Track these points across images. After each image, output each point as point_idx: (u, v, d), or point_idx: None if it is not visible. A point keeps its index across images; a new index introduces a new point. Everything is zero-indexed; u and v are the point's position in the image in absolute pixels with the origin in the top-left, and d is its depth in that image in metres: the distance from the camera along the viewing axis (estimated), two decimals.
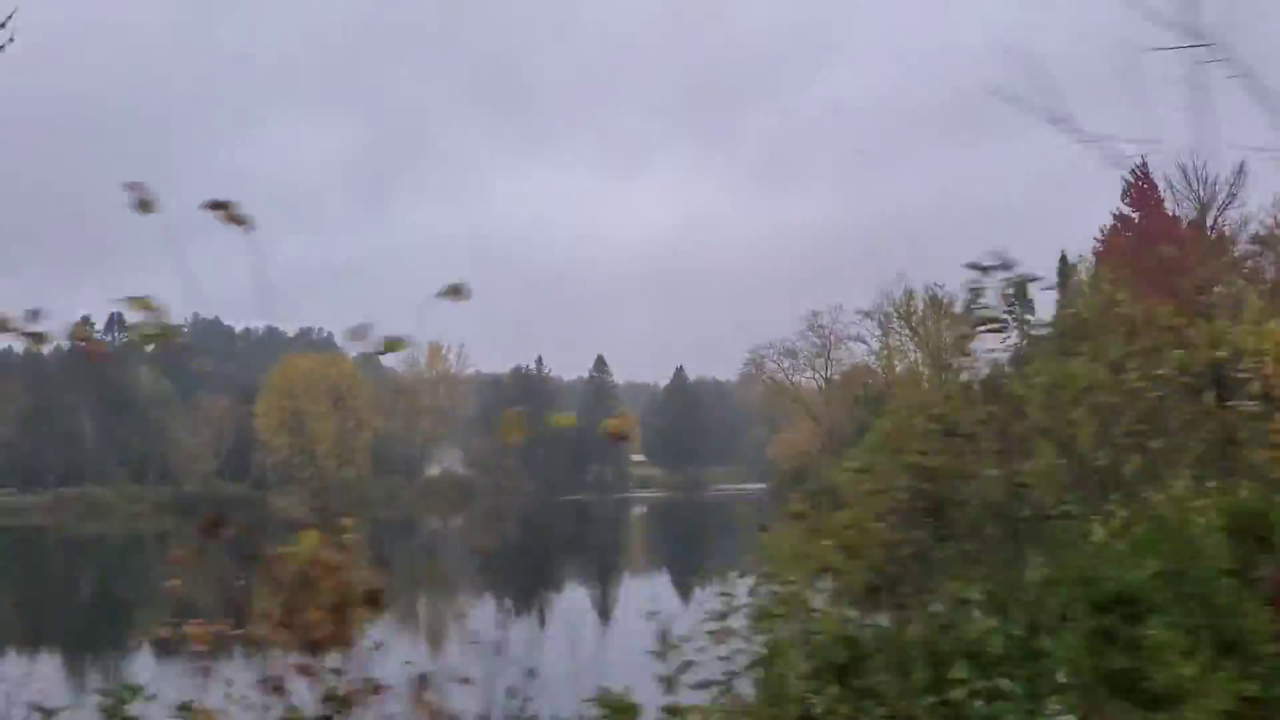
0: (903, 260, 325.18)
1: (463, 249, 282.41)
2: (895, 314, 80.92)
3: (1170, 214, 56.29)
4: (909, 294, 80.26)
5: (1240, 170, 55.04)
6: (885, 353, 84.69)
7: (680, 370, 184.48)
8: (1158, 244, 54.88)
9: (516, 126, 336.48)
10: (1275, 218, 54.83)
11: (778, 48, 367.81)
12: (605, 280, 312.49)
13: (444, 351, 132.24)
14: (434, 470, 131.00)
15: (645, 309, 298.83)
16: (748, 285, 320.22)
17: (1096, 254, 60.22)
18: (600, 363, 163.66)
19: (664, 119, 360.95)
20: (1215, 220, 55.38)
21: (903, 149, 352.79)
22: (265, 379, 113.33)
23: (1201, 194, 55.18)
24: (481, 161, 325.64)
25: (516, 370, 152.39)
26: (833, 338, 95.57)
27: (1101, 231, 77.81)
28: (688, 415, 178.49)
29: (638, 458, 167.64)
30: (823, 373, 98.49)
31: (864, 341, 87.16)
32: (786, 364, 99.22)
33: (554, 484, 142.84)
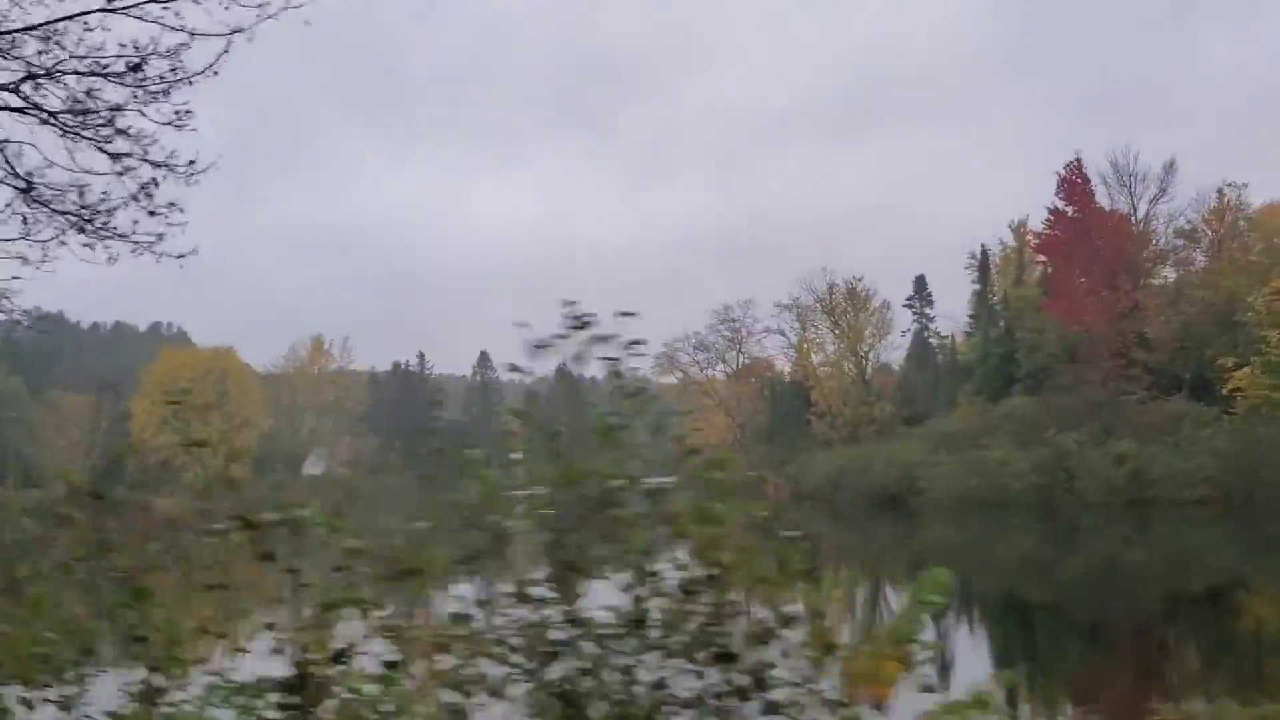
0: (770, 258, 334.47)
1: (329, 242, 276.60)
2: (818, 307, 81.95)
3: (1102, 208, 58.51)
4: (831, 287, 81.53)
5: (1170, 166, 57.76)
6: (804, 345, 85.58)
7: (564, 365, 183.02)
8: (1091, 237, 57.42)
9: (388, 119, 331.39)
10: (1201, 214, 57.75)
11: (656, 47, 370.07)
12: (479, 274, 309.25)
13: (327, 346, 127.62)
14: (316, 470, 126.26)
15: (522, 303, 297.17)
16: (620, 281, 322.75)
17: (1035, 247, 62.22)
18: (484, 358, 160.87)
19: (541, 114, 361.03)
20: (1147, 213, 57.87)
21: (774, 149, 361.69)
22: (143, 374, 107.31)
23: (1133, 190, 57.57)
24: (351, 154, 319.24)
25: (396, 366, 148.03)
26: (744, 331, 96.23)
27: (1013, 226, 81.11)
28: (573, 412, 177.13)
29: (517, 456, 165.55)
30: (734, 366, 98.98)
31: (782, 334, 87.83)
32: (701, 358, 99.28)
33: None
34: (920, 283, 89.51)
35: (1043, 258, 62.10)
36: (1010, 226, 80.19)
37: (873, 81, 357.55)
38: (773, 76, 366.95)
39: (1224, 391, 47.96)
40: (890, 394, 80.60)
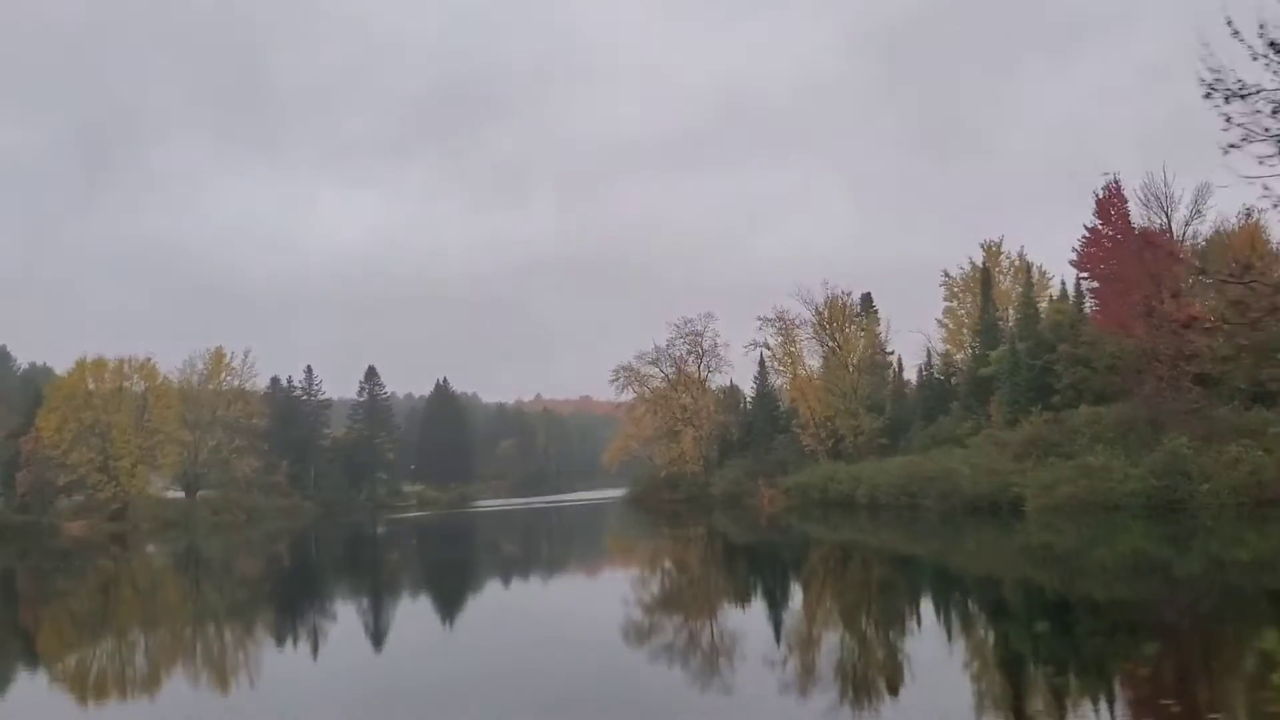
0: (616, 280, 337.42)
1: (163, 256, 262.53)
2: (817, 321, 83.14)
3: (1136, 228, 61.57)
4: (831, 300, 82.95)
5: (1205, 188, 61.36)
6: (788, 359, 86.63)
7: (444, 384, 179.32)
8: (1127, 255, 60.36)
9: (239, 132, 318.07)
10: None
11: (520, 75, 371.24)
12: (312, 289, 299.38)
13: (228, 360, 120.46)
14: (207, 491, 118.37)
15: (362, 320, 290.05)
16: (461, 300, 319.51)
17: (1072, 263, 64.83)
18: (371, 374, 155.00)
19: (397, 134, 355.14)
20: (1182, 234, 61.26)
21: (627, 177, 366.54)
22: (50, 388, 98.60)
23: (1166, 210, 60.86)
24: (196, 166, 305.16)
25: (275, 383, 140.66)
26: (704, 345, 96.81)
27: (985, 246, 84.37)
28: (455, 430, 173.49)
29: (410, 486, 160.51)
30: (698, 379, 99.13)
31: (767, 346, 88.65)
32: (668, 372, 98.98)
33: (329, 503, 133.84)
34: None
35: (1084, 274, 64.67)
36: (982, 246, 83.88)
37: (729, 115, 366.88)
38: (631, 107, 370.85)
39: None
40: (880, 406, 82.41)
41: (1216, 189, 60.78)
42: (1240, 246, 60.23)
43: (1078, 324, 62.07)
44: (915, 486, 59.73)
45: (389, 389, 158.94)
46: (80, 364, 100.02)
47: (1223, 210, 61.65)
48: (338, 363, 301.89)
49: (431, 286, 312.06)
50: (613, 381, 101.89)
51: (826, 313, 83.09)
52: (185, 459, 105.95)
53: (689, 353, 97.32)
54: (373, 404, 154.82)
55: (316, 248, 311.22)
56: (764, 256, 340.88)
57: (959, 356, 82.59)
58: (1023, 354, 65.00)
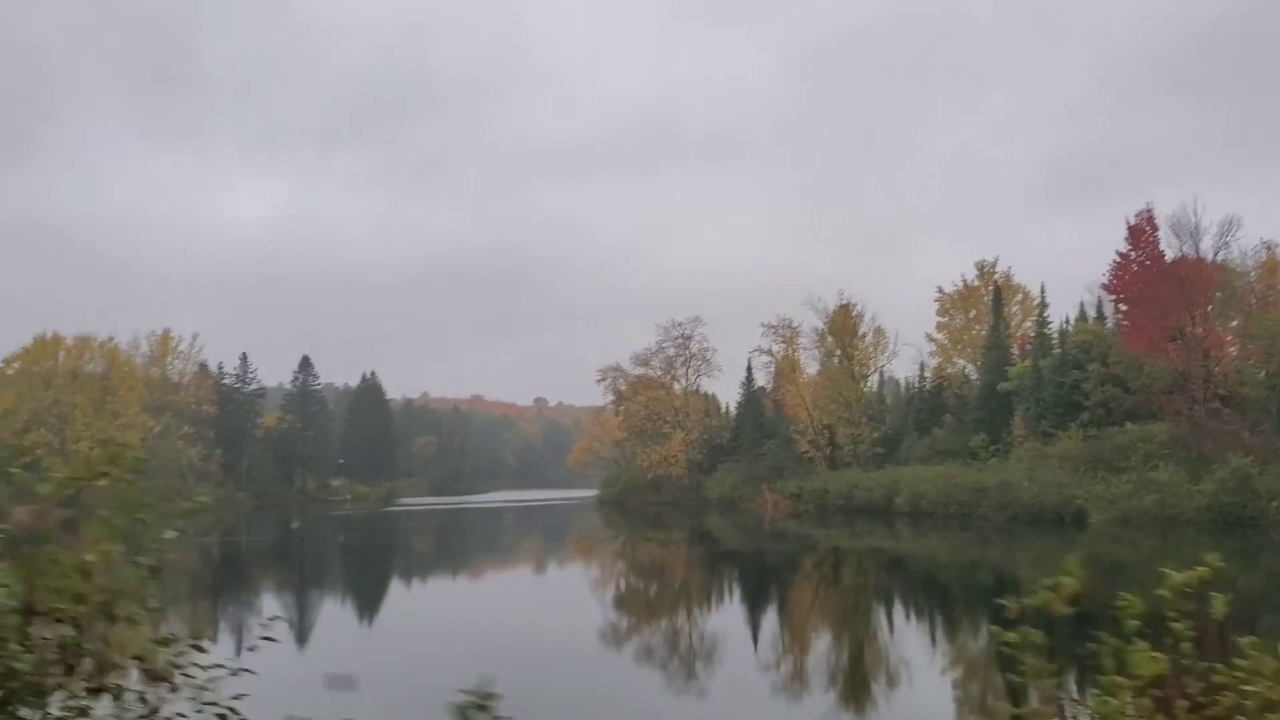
0: (519, 281, 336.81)
1: (70, 236, 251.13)
2: (827, 329, 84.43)
3: (1166, 255, 64.53)
4: (842, 308, 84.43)
5: (1231, 221, 64.65)
6: (787, 362, 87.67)
7: (373, 378, 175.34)
8: (1160, 281, 63.32)
9: (157, 113, 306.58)
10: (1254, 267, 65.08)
11: (452, 74, 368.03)
12: (222, 274, 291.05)
13: (174, 343, 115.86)
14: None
15: (277, 308, 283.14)
16: (370, 291, 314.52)
17: (1104, 287, 67.44)
18: (306, 364, 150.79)
19: (322, 124, 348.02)
20: (1211, 262, 64.33)
21: (544, 179, 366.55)
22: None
23: (1196, 239, 63.95)
24: (108, 146, 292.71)
25: (202, 369, 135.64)
26: (691, 349, 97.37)
27: (980, 266, 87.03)
28: (382, 425, 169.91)
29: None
30: (684, 383, 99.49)
31: (769, 353, 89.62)
32: (657, 373, 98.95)
33: (261, 495, 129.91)
34: (843, 310, 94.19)
35: (1115, 297, 67.30)
36: (977, 266, 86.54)
37: (655, 126, 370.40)
38: (559, 111, 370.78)
39: None
40: (881, 416, 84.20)
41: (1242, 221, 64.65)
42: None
43: (1109, 345, 64.49)
44: (964, 496, 61.24)
45: (264, 378, 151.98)
46: (39, 341, 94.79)
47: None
48: (234, 350, 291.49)
49: (343, 276, 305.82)
50: (600, 381, 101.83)
51: (833, 322, 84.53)
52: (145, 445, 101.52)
53: (677, 355, 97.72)
54: (305, 395, 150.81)
55: (231, 233, 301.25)
56: (673, 265, 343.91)
57: (950, 370, 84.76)
58: (1046, 371, 67.31)
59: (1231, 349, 62.27)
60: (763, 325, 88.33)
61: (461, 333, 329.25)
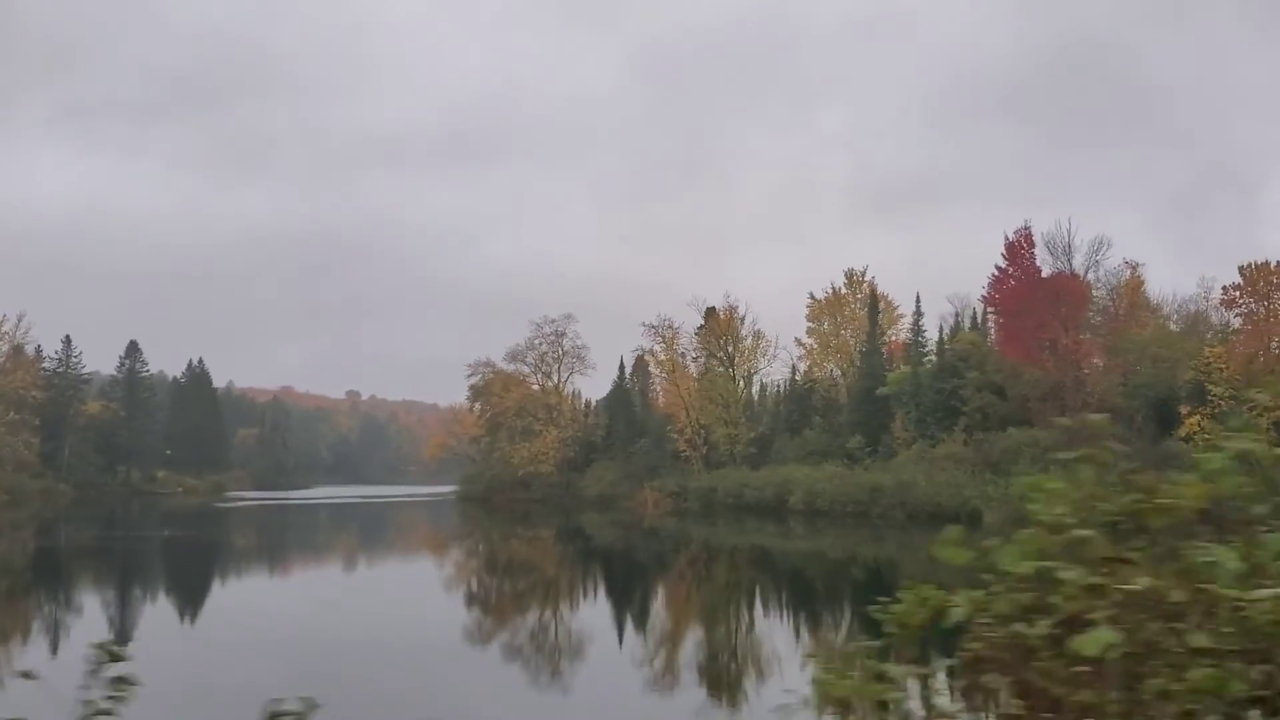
0: (340, 271, 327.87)
1: None
2: (716, 331, 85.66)
3: (1036, 271, 68.74)
4: (729, 310, 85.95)
5: (1101, 241, 69.37)
6: (669, 362, 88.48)
7: (200, 365, 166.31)
8: (1022, 296, 67.53)
9: None
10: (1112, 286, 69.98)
11: (285, 57, 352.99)
12: (32, 251, 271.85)
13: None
14: None
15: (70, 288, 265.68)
16: (175, 275, 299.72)
17: (983, 299, 71.15)
18: (133, 349, 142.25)
19: (154, 96, 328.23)
20: (1074, 277, 68.77)
21: (375, 169, 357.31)
22: None
23: (1069, 257, 68.37)
24: None
25: (17, 351, 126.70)
26: (564, 346, 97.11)
27: (851, 274, 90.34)
28: (210, 416, 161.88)
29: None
30: (557, 380, 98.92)
31: (653, 353, 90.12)
32: (528, 371, 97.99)
33: (83, 486, 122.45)
34: (710, 313, 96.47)
35: (992, 309, 71.08)
36: (846, 274, 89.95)
37: (494, 120, 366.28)
38: (397, 102, 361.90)
39: (1180, 434, 59.65)
40: (758, 417, 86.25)
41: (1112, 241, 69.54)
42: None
43: (986, 354, 68.19)
44: (861, 495, 63.59)
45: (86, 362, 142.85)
46: None
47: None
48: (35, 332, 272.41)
49: (156, 259, 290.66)
50: (470, 376, 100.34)
51: (716, 324, 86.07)
52: None
53: (549, 352, 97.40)
54: (133, 381, 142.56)
55: (34, 209, 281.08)
56: (502, 261, 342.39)
57: (819, 374, 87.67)
58: (925, 377, 70.61)
59: (1097, 360, 66.81)
60: (643, 325, 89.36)
61: (271, 321, 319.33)
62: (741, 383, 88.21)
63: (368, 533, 75.14)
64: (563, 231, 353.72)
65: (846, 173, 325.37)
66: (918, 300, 79.07)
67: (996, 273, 69.18)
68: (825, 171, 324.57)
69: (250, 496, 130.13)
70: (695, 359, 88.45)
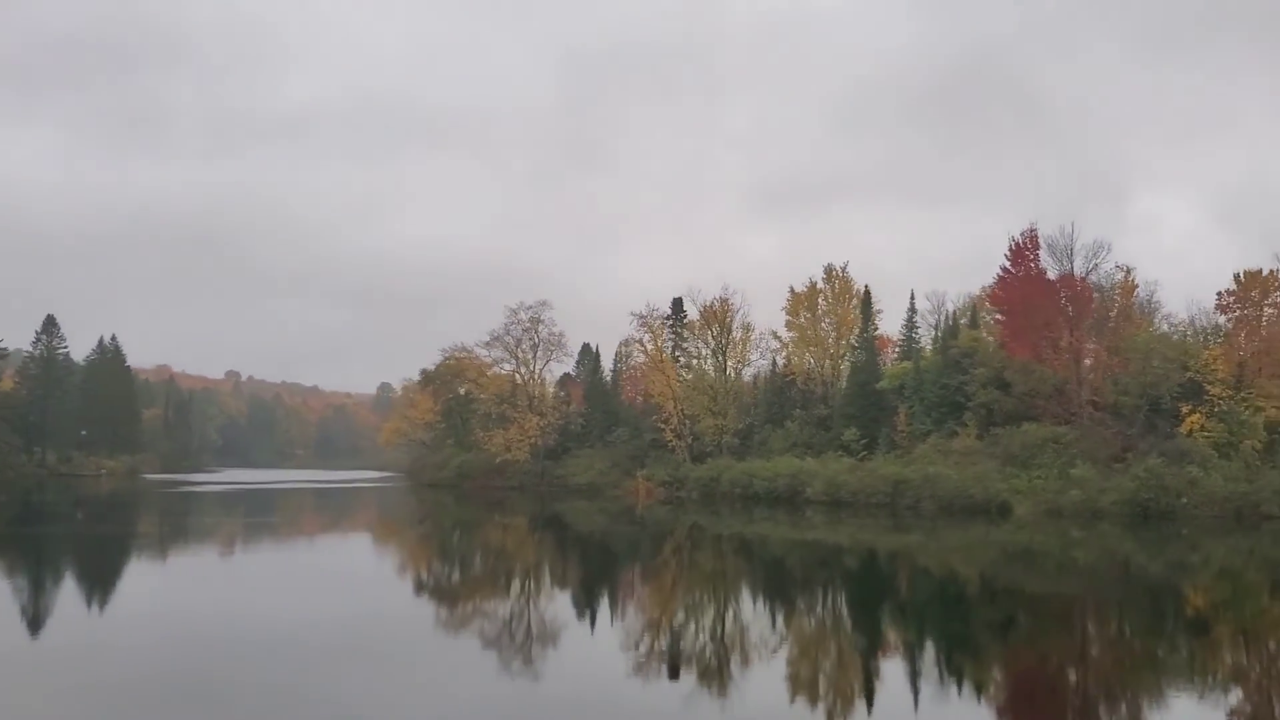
0: (221, 243, 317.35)
1: None
2: (705, 321, 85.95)
3: (1041, 273, 71.29)
4: (723, 302, 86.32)
5: (1101, 244, 72.19)
6: (656, 352, 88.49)
7: (112, 343, 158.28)
8: (1027, 296, 70.11)
9: None
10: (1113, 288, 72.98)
11: (177, 30, 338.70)
12: None
13: None
14: None
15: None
16: (64, 248, 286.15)
17: (989, 299, 73.46)
18: (50, 324, 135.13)
19: (40, 68, 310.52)
20: (1081, 280, 71.46)
21: (267, 145, 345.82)
22: None
23: (1069, 258, 70.95)
24: None
25: None
26: (540, 334, 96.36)
27: (831, 270, 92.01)
28: (124, 396, 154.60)
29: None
30: (531, 368, 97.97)
31: (641, 344, 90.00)
32: (498, 357, 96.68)
33: None
34: (678, 305, 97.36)
35: (998, 309, 73.39)
36: (825, 271, 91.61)
37: (398, 102, 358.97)
38: (299, 82, 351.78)
39: (1181, 430, 62.87)
40: (747, 408, 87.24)
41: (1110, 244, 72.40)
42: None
43: (990, 351, 70.49)
44: (886, 487, 65.14)
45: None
46: None
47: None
48: None
49: (26, 230, 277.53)
50: (445, 361, 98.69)
51: (722, 314, 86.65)
52: None
53: (525, 338, 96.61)
54: (50, 360, 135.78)
55: None
56: (395, 241, 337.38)
57: (799, 366, 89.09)
58: (929, 373, 72.64)
59: (1095, 360, 69.73)
60: (631, 314, 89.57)
61: (148, 298, 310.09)
62: (732, 374, 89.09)
63: (358, 520, 73.32)
64: (461, 216, 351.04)
65: (745, 170, 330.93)
66: (912, 297, 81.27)
67: (1001, 273, 71.59)
68: (724, 168, 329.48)
69: (189, 481, 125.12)
70: (683, 351, 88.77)
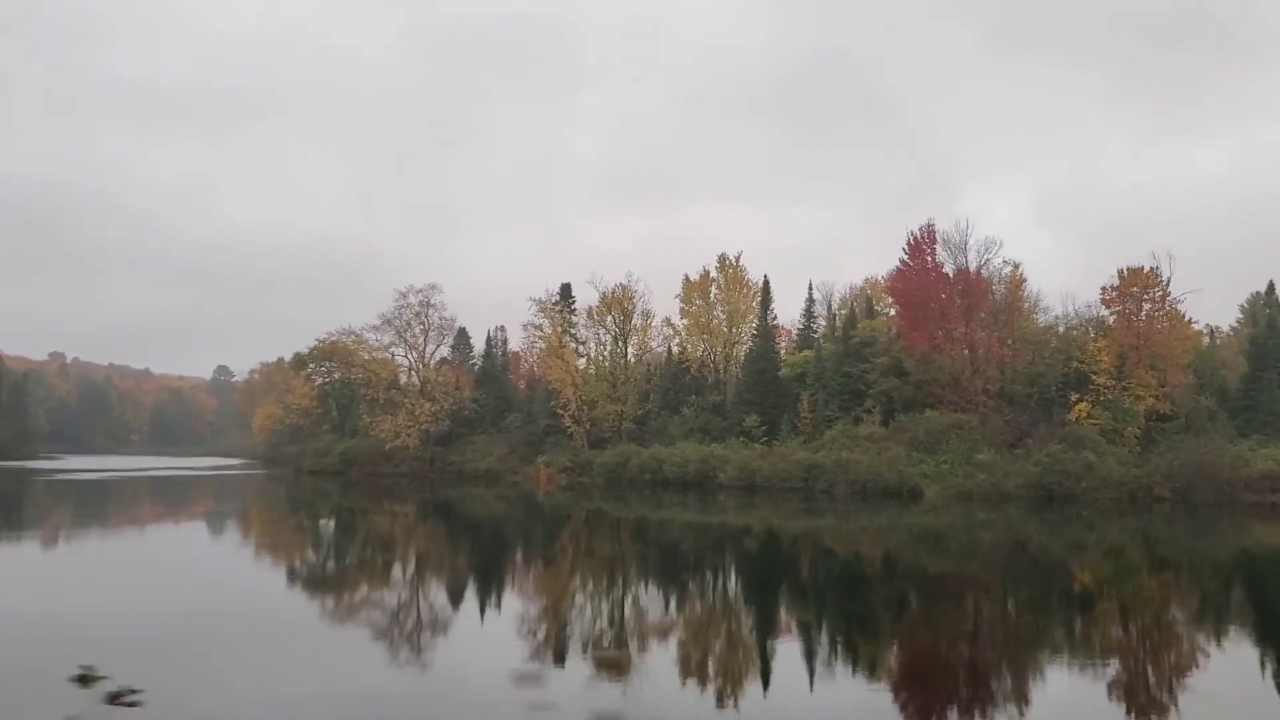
0: (43, 218, 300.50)
1: None
2: (606, 307, 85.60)
3: (937, 266, 74.25)
4: (624, 288, 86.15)
5: (993, 240, 75.63)
6: (555, 338, 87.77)
7: None
8: (924, 289, 73.16)
9: None
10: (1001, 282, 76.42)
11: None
12: None
13: None
14: None
15: None
16: None
17: (887, 290, 75.99)
18: None
19: None
20: (974, 274, 74.59)
21: (110, 119, 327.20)
22: None
23: (964, 253, 74.05)
24: None
25: None
26: (430, 319, 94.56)
27: (724, 261, 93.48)
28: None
29: None
30: (420, 353, 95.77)
31: (539, 329, 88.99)
32: (387, 342, 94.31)
33: None
34: (565, 290, 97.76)
35: (894, 300, 75.99)
36: (718, 260, 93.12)
37: (251, 80, 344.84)
38: (140, 52, 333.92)
39: (1070, 418, 66.68)
40: (646, 395, 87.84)
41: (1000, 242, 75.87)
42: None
43: (891, 341, 73.07)
44: (800, 472, 66.80)
45: None
46: None
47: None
48: None
49: None
50: (320, 344, 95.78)
51: (623, 301, 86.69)
52: None
53: (414, 322, 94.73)
54: None
55: None
56: (239, 223, 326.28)
57: (693, 353, 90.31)
58: (830, 361, 74.84)
59: (982, 350, 73.10)
60: (530, 300, 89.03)
61: None
62: (633, 360, 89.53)
63: (231, 509, 70.87)
64: (308, 197, 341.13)
65: (602, 158, 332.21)
66: (810, 287, 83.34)
67: (900, 266, 74.28)
68: (581, 155, 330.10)
69: (39, 470, 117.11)
70: (573, 337, 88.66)
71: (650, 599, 27.15)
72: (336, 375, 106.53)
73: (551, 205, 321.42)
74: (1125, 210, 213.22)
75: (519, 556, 38.45)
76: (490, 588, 28.84)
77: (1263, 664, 18.89)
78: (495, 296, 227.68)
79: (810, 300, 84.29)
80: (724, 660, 18.71)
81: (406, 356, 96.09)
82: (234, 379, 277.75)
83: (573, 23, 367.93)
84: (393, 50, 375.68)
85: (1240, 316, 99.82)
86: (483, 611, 24.42)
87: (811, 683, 16.61)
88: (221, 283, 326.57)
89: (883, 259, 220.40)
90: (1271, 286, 77.32)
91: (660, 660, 18.53)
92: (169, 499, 72.80)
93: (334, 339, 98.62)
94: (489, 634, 21.21)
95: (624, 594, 27.60)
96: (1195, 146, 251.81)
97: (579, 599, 26.87)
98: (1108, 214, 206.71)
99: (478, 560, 36.52)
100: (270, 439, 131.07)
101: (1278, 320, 73.98)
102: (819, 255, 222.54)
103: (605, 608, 25.29)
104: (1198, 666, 18.59)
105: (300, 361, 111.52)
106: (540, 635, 21.23)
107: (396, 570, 33.55)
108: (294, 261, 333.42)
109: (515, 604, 26.02)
